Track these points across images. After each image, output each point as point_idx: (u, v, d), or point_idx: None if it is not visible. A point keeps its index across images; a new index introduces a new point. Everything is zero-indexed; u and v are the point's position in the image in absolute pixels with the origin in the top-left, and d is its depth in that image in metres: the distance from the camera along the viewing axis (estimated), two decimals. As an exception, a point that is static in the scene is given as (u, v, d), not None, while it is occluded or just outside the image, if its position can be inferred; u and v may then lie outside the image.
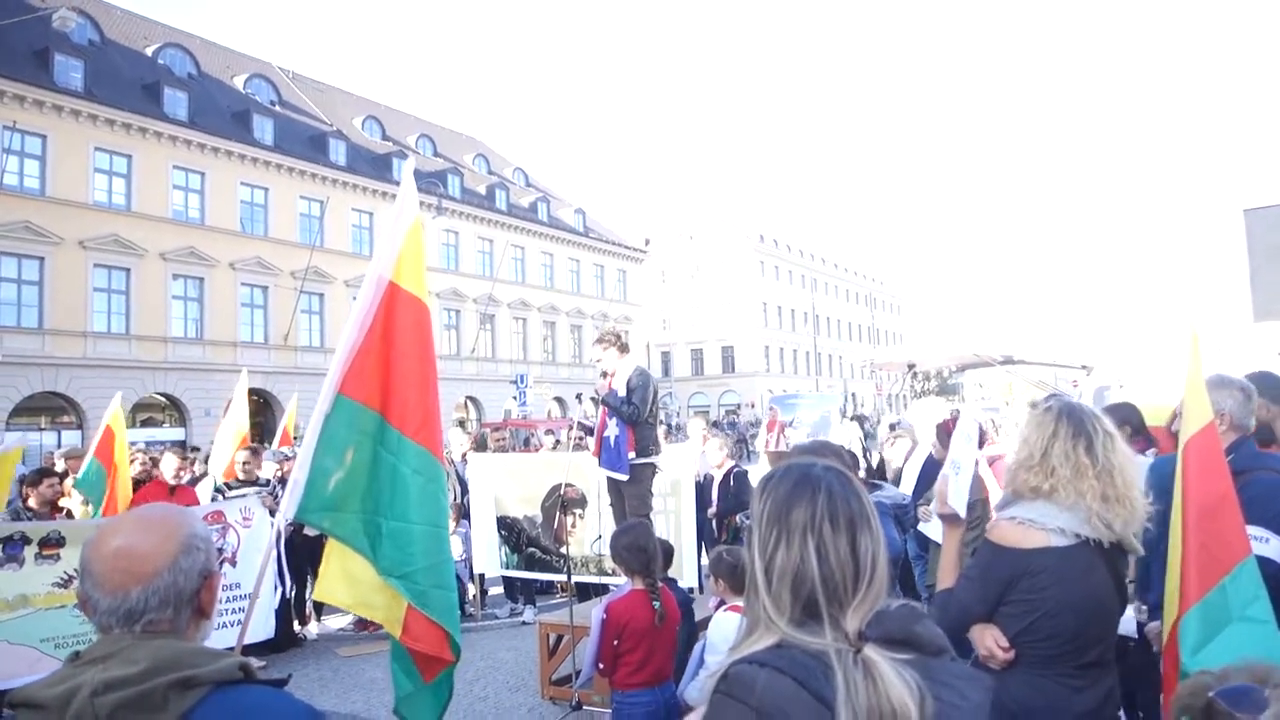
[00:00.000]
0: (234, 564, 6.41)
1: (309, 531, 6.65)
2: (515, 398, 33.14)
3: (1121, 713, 3.41)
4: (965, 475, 2.68)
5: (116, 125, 25.66)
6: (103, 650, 1.28)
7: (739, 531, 6.75)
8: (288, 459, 7.85)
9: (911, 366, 21.38)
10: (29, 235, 23.56)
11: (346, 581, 3.48)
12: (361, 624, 7.88)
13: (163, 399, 27.54)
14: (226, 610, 6.09)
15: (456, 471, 8.76)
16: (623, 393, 5.85)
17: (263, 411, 27.02)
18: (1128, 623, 3.24)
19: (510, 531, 7.76)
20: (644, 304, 50.18)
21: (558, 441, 13.36)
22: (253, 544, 6.53)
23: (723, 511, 7.08)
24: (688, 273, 61.42)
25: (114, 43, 29.35)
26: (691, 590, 6.09)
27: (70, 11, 23.75)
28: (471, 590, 8.54)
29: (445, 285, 34.78)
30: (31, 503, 6.33)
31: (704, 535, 7.11)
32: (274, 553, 3.61)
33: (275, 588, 6.86)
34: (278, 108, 33.55)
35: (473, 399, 36.94)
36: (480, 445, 10.48)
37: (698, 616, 4.80)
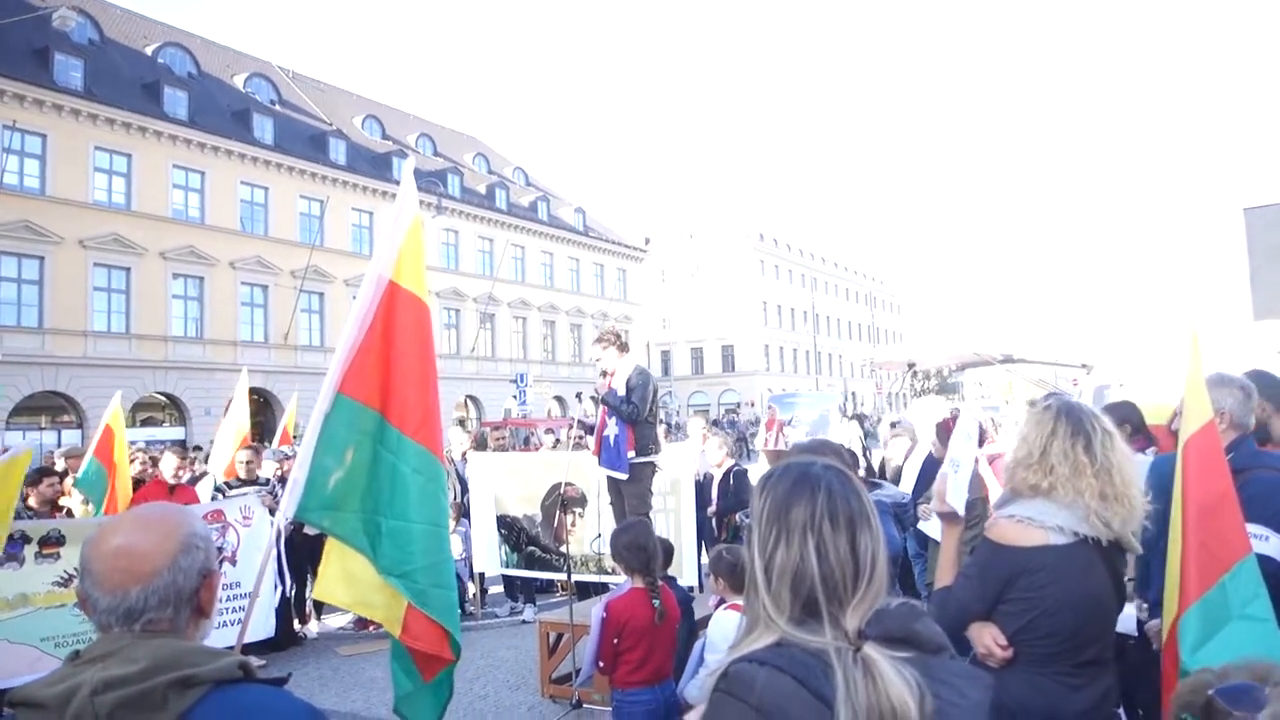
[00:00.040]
0: (234, 563, 6.41)
1: (309, 530, 6.65)
2: (515, 397, 33.17)
3: (1121, 711, 3.41)
4: (964, 473, 2.68)
5: (116, 124, 25.66)
6: (102, 649, 1.28)
7: (739, 530, 6.75)
8: (288, 458, 7.86)
9: (911, 365, 21.40)
10: (29, 234, 23.56)
11: (346, 580, 3.48)
12: (361, 623, 7.88)
13: (163, 398, 27.54)
14: (226, 609, 6.09)
15: (456, 470, 8.76)
16: (622, 392, 5.85)
17: (263, 411, 27.01)
18: (1127, 620, 3.24)
19: (510, 530, 7.76)
20: (644, 303, 50.18)
21: (558, 440, 13.35)
22: (252, 543, 6.53)
23: (722, 510, 7.08)
24: (687, 272, 61.42)
25: (114, 42, 29.34)
26: (691, 589, 6.10)
27: (70, 11, 23.77)
28: (471, 589, 8.55)
29: (445, 284, 34.79)
30: (31, 502, 6.33)
31: (704, 534, 7.11)
32: (274, 551, 3.61)
33: (275, 586, 6.86)
34: (278, 107, 33.54)
35: (473, 398, 36.94)
36: (480, 444, 10.48)
37: (697, 615, 4.80)
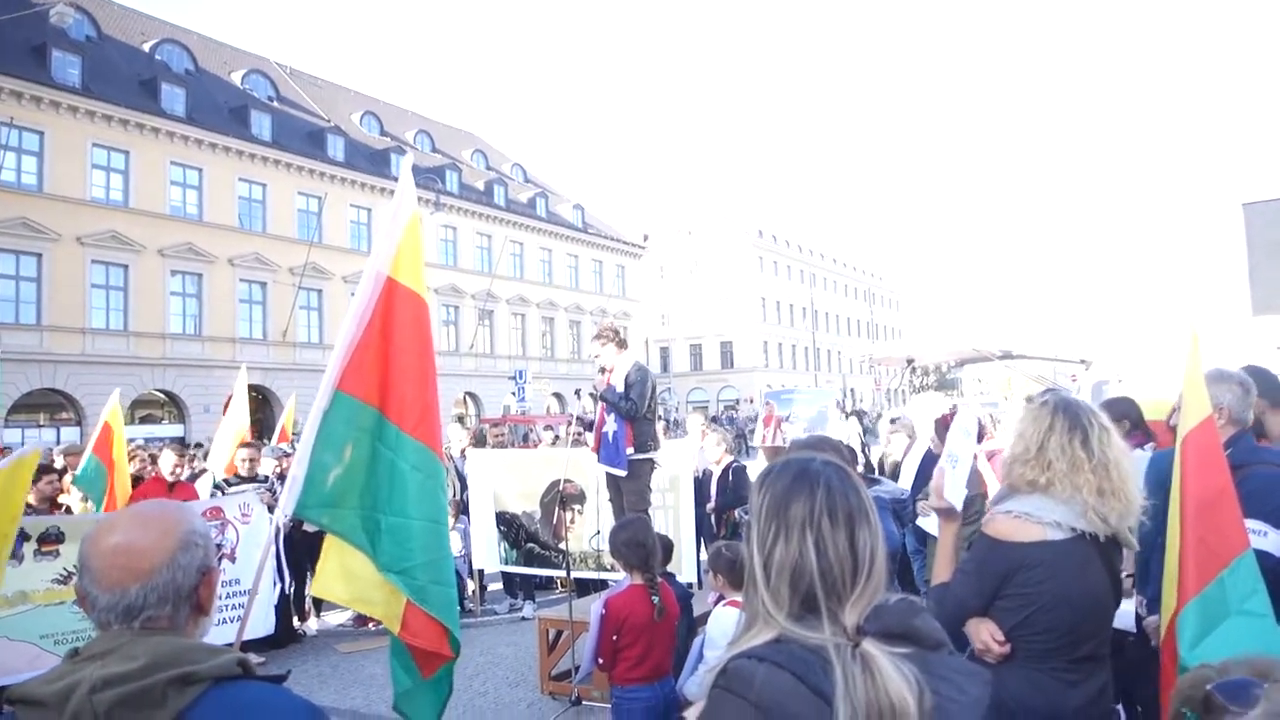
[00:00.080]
0: (233, 560, 6.40)
1: (308, 527, 6.65)
2: (514, 393, 33.13)
3: (1120, 707, 3.42)
4: (962, 469, 2.68)
5: (114, 121, 25.61)
6: (101, 647, 1.28)
7: (738, 527, 6.75)
8: (287, 455, 7.84)
9: (910, 362, 21.41)
10: (27, 231, 23.53)
11: (345, 577, 3.48)
12: (361, 620, 7.88)
13: (161, 395, 27.52)
14: (226, 606, 6.09)
15: (456, 467, 8.76)
16: (621, 388, 5.85)
17: (261, 408, 27.00)
18: (1126, 616, 3.25)
19: (509, 527, 7.76)
20: (643, 299, 50.15)
21: (556, 437, 13.34)
22: (252, 540, 6.52)
23: (721, 507, 7.08)
24: (686, 268, 61.39)
25: (111, 38, 29.27)
26: (690, 585, 6.10)
27: (67, 7, 23.67)
28: (471, 586, 8.55)
29: (444, 281, 34.76)
30: (30, 499, 6.32)
31: (703, 530, 7.11)
32: (273, 548, 3.61)
33: (274, 584, 6.86)
34: (275, 103, 33.47)
35: (471, 395, 36.94)
36: (479, 441, 10.47)
37: (696, 611, 4.81)
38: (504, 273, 37.81)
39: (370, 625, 7.68)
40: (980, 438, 5.50)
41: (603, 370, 6.06)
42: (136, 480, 7.70)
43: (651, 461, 6.05)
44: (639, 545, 3.89)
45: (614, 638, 3.74)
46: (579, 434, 9.11)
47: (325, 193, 30.94)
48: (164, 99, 27.58)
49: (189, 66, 31.18)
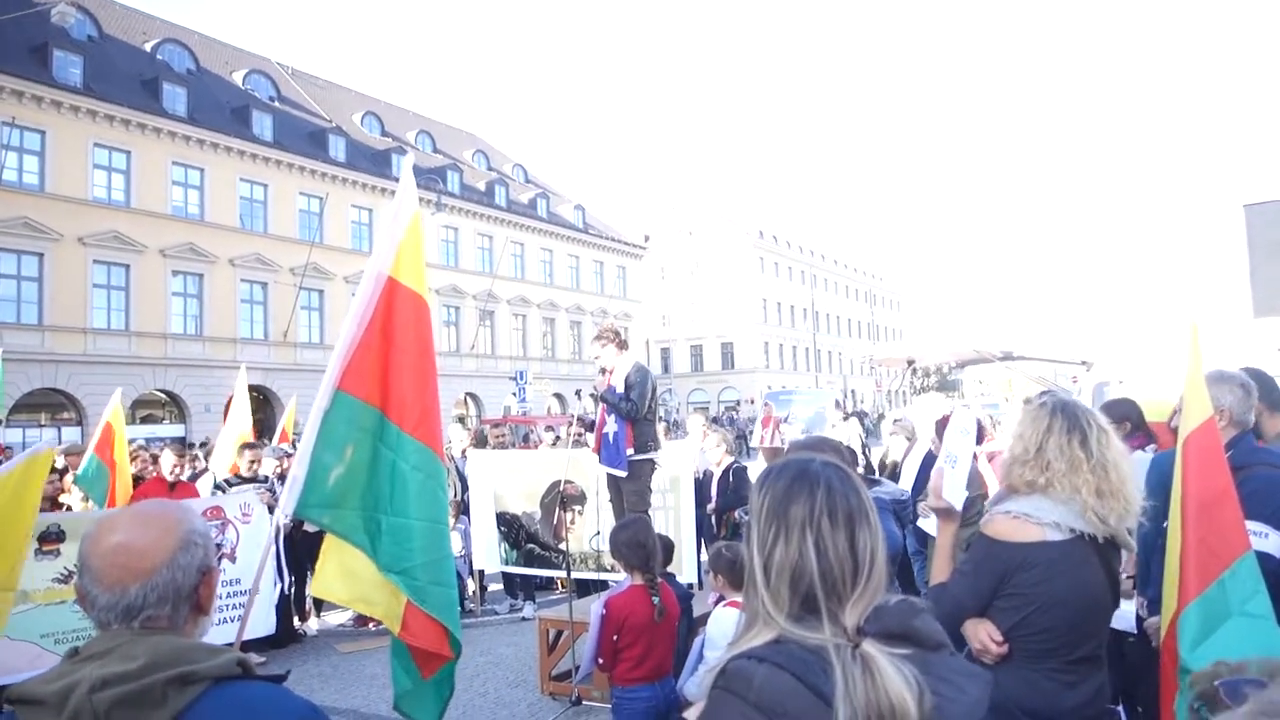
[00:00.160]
0: (233, 560, 6.40)
1: (309, 527, 6.65)
2: (515, 394, 33.15)
3: (1121, 707, 3.42)
4: (961, 469, 2.68)
5: (116, 121, 25.63)
6: (101, 646, 1.28)
7: (738, 527, 6.75)
8: (287, 455, 7.85)
9: (911, 363, 21.39)
10: (28, 231, 23.55)
11: (345, 577, 3.48)
12: (361, 620, 7.88)
13: (162, 395, 27.54)
14: (226, 606, 6.09)
15: (457, 467, 8.76)
16: (621, 389, 5.85)
17: (262, 408, 27.02)
18: (1127, 618, 3.25)
19: (510, 528, 7.76)
20: (643, 300, 50.16)
21: (557, 438, 13.34)
22: (252, 540, 6.52)
23: (722, 507, 7.08)
24: (687, 269, 61.39)
25: (113, 38, 29.30)
26: (691, 586, 6.10)
27: (69, 7, 23.69)
28: (471, 586, 8.55)
29: (445, 282, 34.77)
30: (31, 499, 6.32)
31: (703, 531, 7.11)
32: (273, 548, 3.61)
33: (275, 583, 6.86)
34: (277, 104, 33.50)
35: (472, 395, 36.94)
36: (480, 441, 10.47)
37: (697, 612, 4.81)
38: (505, 273, 37.83)
39: (371, 625, 7.68)
40: (980, 439, 5.50)
41: (603, 371, 6.06)
42: (137, 480, 7.70)
43: (652, 462, 6.05)
44: (639, 546, 3.90)
45: (614, 638, 3.74)
46: (580, 435, 9.12)
47: (326, 193, 30.95)
48: (165, 99, 27.60)
49: (190, 66, 31.22)
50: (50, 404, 25.09)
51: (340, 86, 40.26)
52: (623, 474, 5.86)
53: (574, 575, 6.98)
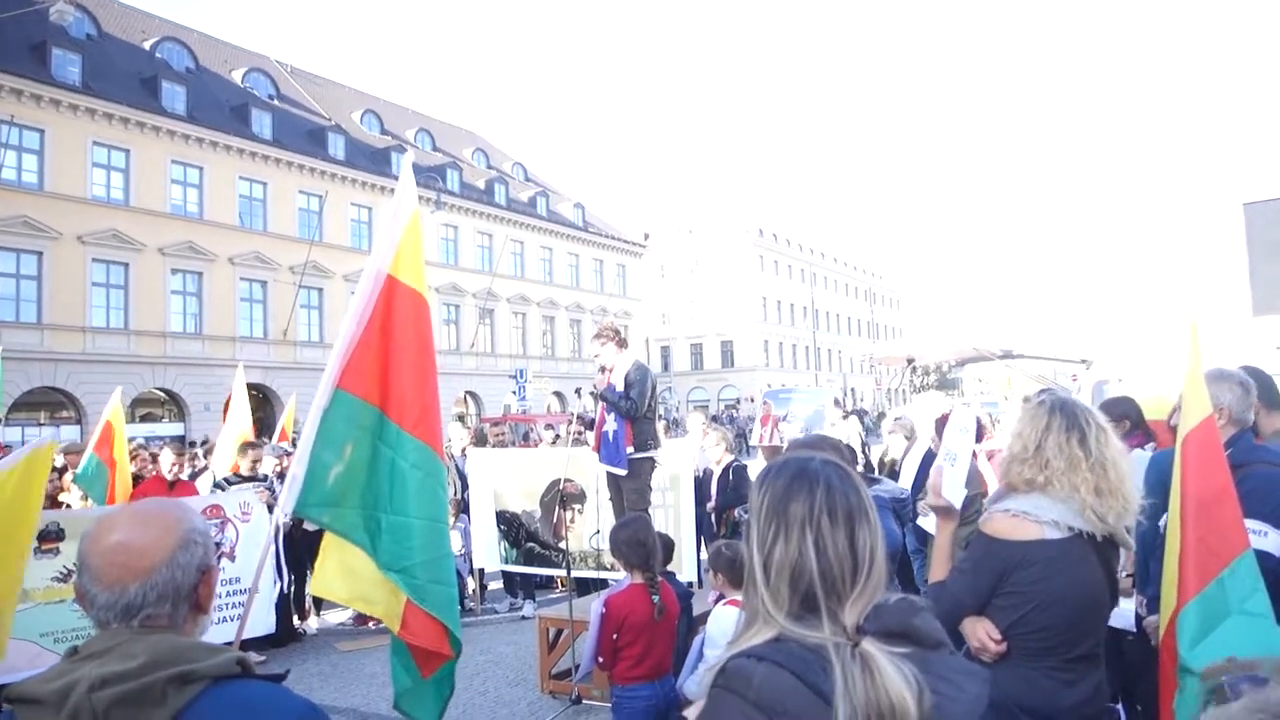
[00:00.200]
0: (233, 559, 6.40)
1: (308, 526, 6.64)
2: (514, 392, 33.14)
3: (1120, 706, 3.42)
4: (960, 467, 2.69)
5: (115, 119, 25.61)
6: (100, 645, 1.28)
7: (738, 526, 6.76)
8: (287, 454, 7.84)
9: (911, 361, 21.35)
10: (27, 230, 23.53)
11: (344, 576, 3.48)
12: (361, 619, 7.89)
13: (162, 394, 27.53)
14: (226, 605, 6.09)
15: (457, 466, 8.76)
16: (621, 387, 5.85)
17: (262, 407, 27.02)
18: (1126, 616, 3.25)
19: (509, 526, 7.76)
20: (643, 298, 50.14)
21: (557, 436, 13.35)
22: (251, 538, 6.52)
23: (722, 506, 7.08)
24: (687, 267, 61.37)
25: (111, 36, 29.27)
26: (691, 584, 6.10)
27: (68, 5, 23.60)
28: (471, 585, 8.55)
29: (444, 280, 34.76)
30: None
31: (703, 529, 7.11)
32: (273, 547, 3.61)
33: (274, 582, 6.86)
34: (276, 102, 33.47)
35: (472, 394, 36.94)
36: (480, 440, 10.48)
37: (697, 610, 4.81)
38: (505, 271, 37.81)
39: (370, 624, 7.68)
40: (979, 437, 5.50)
41: (603, 369, 6.06)
42: (137, 479, 7.70)
43: (652, 460, 6.05)
44: (639, 544, 3.89)
45: (614, 637, 3.74)
46: (579, 433, 9.12)
47: (326, 191, 30.93)
48: (164, 97, 27.58)
49: (189, 65, 31.19)
50: (49, 402, 25.08)
51: (339, 85, 40.23)
52: (622, 472, 5.86)
53: (574, 574, 6.98)
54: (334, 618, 8.43)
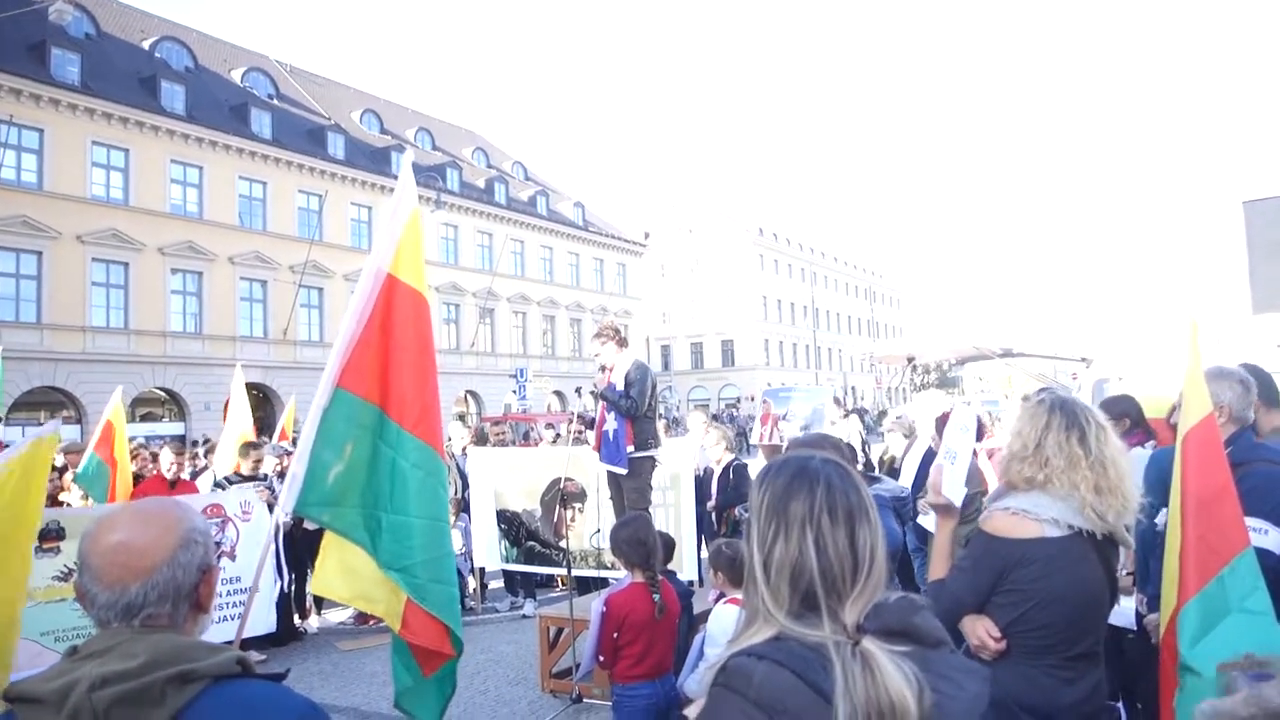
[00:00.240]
0: (233, 558, 6.40)
1: (309, 525, 6.64)
2: (515, 391, 33.15)
3: (1120, 704, 3.43)
4: (960, 465, 2.69)
5: (114, 119, 25.60)
6: (101, 644, 1.28)
7: (738, 524, 6.76)
8: (288, 453, 7.85)
9: (911, 360, 21.32)
10: (26, 230, 23.53)
11: (345, 575, 3.47)
12: (362, 618, 7.89)
13: (162, 393, 27.54)
14: (226, 604, 6.09)
15: (457, 465, 8.77)
16: (621, 386, 5.85)
17: (262, 406, 27.04)
18: (1126, 614, 3.25)
19: (510, 525, 7.76)
20: (643, 297, 50.14)
21: (557, 435, 13.35)
22: (252, 537, 6.52)
23: (722, 504, 7.08)
24: (687, 266, 61.36)
25: (110, 36, 29.26)
26: (691, 583, 6.10)
27: (67, 5, 23.62)
28: (472, 584, 8.55)
29: (444, 279, 34.76)
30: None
31: (703, 528, 7.11)
32: (273, 546, 3.60)
33: (274, 581, 6.86)
34: (275, 101, 33.46)
35: (472, 393, 36.94)
36: (480, 439, 10.48)
37: (697, 609, 4.81)
38: (505, 271, 37.81)
39: (371, 623, 7.68)
40: (980, 435, 5.50)
41: (603, 368, 6.06)
42: (137, 479, 7.70)
43: (652, 459, 6.05)
44: (640, 543, 3.89)
45: (615, 635, 3.74)
46: (580, 432, 9.12)
47: (326, 191, 30.93)
48: (164, 97, 27.58)
49: (189, 64, 31.17)
50: (49, 402, 25.07)
51: (339, 84, 40.21)
52: (623, 471, 5.86)
53: (574, 573, 6.98)
54: (334, 617, 8.43)
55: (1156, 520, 2.78)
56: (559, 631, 5.83)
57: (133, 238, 25.70)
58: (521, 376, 32.80)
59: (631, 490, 5.88)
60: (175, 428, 26.66)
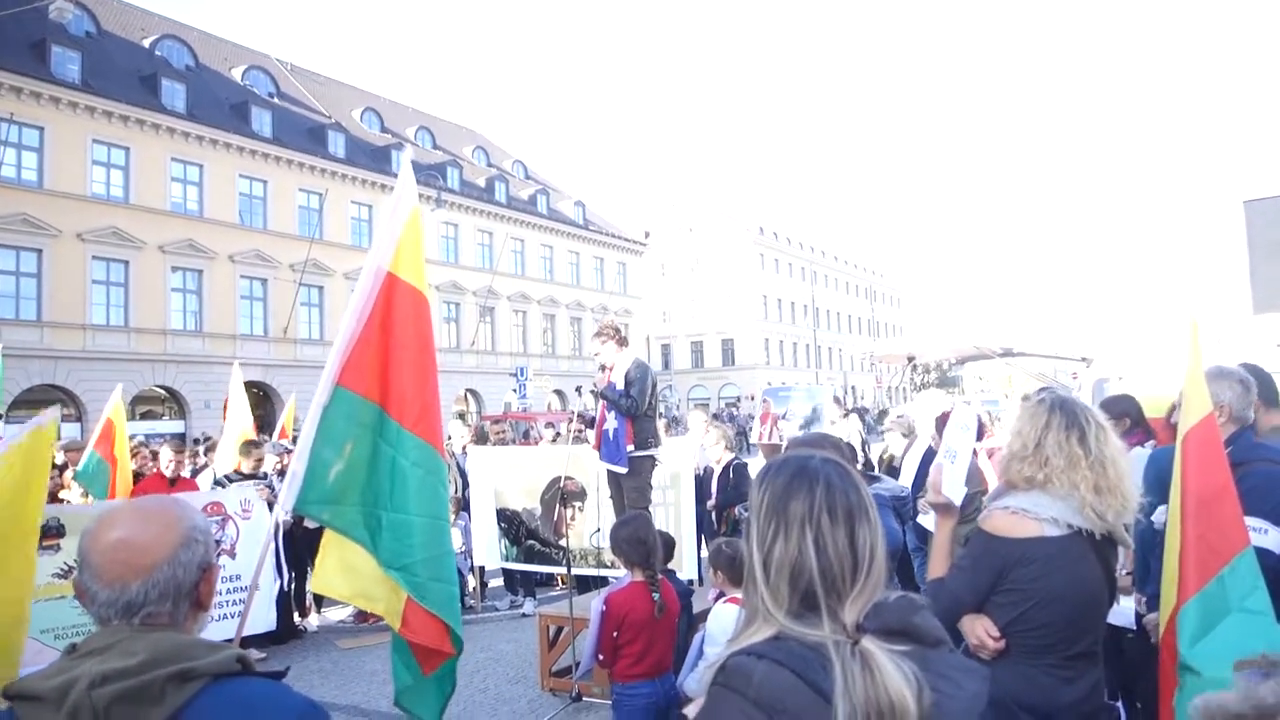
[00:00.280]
0: (233, 556, 6.41)
1: (309, 523, 6.65)
2: (515, 390, 33.15)
3: (1120, 703, 3.43)
4: (960, 465, 2.69)
5: (114, 117, 25.60)
6: (100, 642, 1.28)
7: (738, 523, 6.76)
8: (288, 451, 7.85)
9: (911, 359, 21.32)
10: (27, 227, 23.54)
11: (345, 573, 3.47)
12: (362, 616, 7.89)
13: (162, 391, 27.55)
14: (226, 602, 6.09)
15: (457, 464, 8.77)
16: (621, 385, 5.85)
17: (262, 404, 27.06)
18: (1126, 614, 3.25)
19: (510, 524, 7.77)
20: (644, 296, 50.13)
21: (558, 434, 13.36)
22: (252, 536, 6.52)
23: (722, 504, 7.08)
24: (687, 265, 61.36)
25: (111, 34, 29.25)
26: (691, 582, 6.11)
27: (67, 3, 23.61)
28: (471, 582, 8.56)
29: (445, 278, 34.76)
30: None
31: (703, 527, 7.11)
32: (273, 544, 3.60)
33: (274, 579, 6.87)
34: (276, 100, 33.44)
35: (473, 391, 36.95)
36: (480, 438, 10.48)
37: (697, 608, 4.81)
38: (505, 269, 37.81)
39: (371, 621, 7.68)
40: (980, 435, 5.50)
41: (603, 367, 6.06)
42: (138, 476, 7.70)
43: (652, 458, 6.05)
44: (640, 542, 3.89)
45: (614, 634, 3.74)
46: (580, 431, 9.12)
47: (326, 189, 30.92)
48: (164, 95, 27.57)
49: (189, 62, 31.16)
50: (49, 400, 24.98)
51: (340, 82, 40.19)
52: (623, 470, 5.86)
53: (574, 571, 6.98)
54: (334, 615, 8.44)
55: (1154, 518, 2.78)
56: (559, 630, 5.83)
57: (133, 236, 25.71)
58: (522, 375, 32.79)
59: (631, 489, 5.89)
60: (175, 426, 26.67)
